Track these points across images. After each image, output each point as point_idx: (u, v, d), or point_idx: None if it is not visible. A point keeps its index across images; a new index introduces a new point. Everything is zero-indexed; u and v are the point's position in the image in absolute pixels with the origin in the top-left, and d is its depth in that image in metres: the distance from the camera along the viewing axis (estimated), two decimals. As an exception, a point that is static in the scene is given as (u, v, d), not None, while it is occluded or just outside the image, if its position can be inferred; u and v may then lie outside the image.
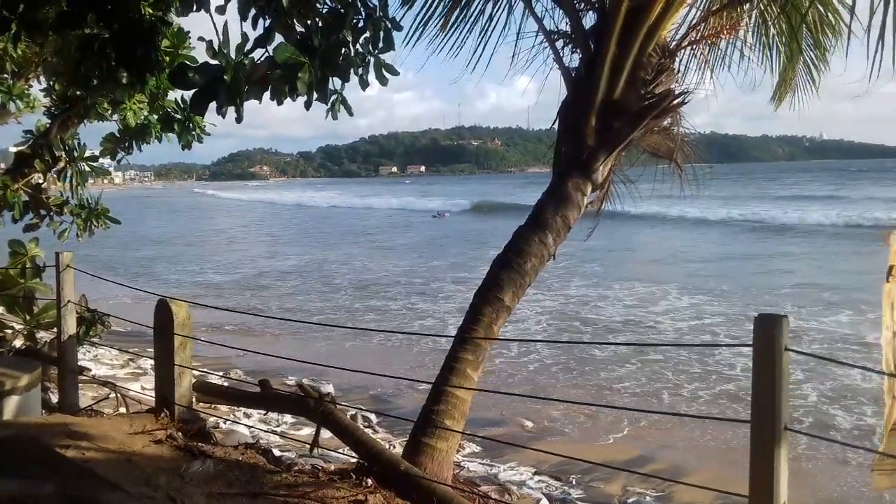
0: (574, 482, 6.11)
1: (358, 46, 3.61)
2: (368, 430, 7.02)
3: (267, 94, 3.19)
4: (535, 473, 6.27)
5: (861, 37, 3.40)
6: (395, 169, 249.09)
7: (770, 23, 5.48)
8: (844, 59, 5.15)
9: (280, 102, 3.37)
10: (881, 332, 3.23)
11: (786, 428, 2.21)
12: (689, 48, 5.43)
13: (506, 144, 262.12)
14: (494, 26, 5.76)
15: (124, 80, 3.45)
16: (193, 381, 5.05)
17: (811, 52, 5.87)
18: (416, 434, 4.15)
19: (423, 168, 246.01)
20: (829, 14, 5.47)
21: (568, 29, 5.35)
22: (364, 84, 3.65)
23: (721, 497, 5.39)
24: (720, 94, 6.04)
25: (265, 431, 6.57)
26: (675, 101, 4.93)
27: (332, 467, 4.53)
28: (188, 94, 3.18)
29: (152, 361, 5.54)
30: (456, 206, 53.87)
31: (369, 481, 3.73)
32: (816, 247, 24.21)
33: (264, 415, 6.82)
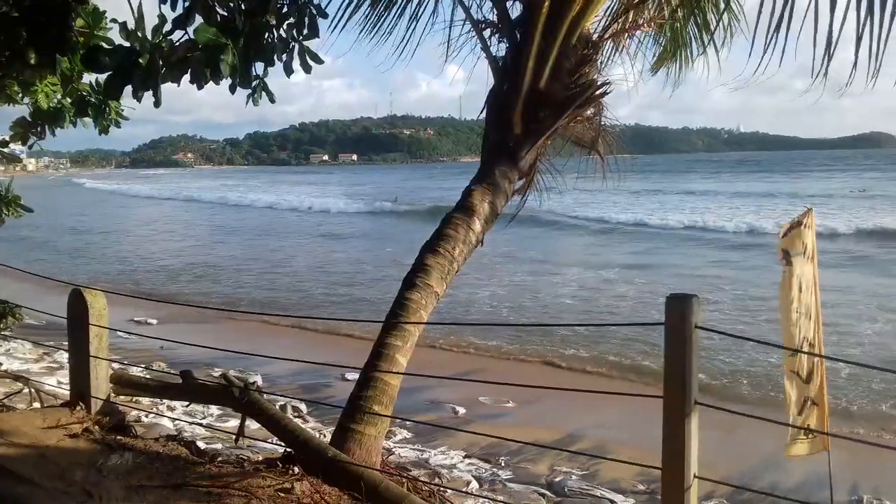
0: (503, 463, 6.25)
1: (282, 32, 3.55)
2: (298, 420, 6.96)
3: (187, 78, 3.11)
4: (465, 456, 6.38)
5: (761, 34, 3.59)
6: (326, 157, 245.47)
7: (682, 18, 5.71)
8: (749, 54, 5.44)
9: (200, 86, 3.27)
10: (783, 312, 3.46)
11: (695, 402, 2.33)
12: (610, 40, 5.58)
13: (438, 134, 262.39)
14: (422, 13, 5.77)
15: (34, 62, 3.29)
16: (111, 373, 4.88)
17: (719, 48, 6.14)
18: (344, 420, 4.14)
19: (355, 157, 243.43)
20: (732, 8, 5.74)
21: (495, 18, 5.41)
22: (289, 70, 3.60)
23: (643, 471, 5.64)
24: (643, 86, 6.25)
25: (190, 423, 6.42)
26: (597, 92, 5.07)
27: (260, 457, 4.48)
28: (103, 77, 3.06)
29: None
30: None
31: (296, 469, 3.71)
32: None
33: (187, 406, 6.66)
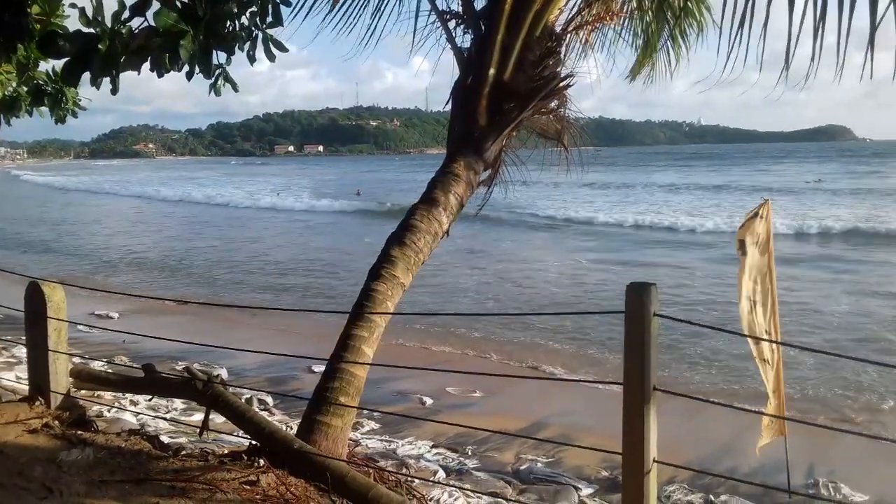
0: (470, 453, 6.30)
1: (244, 20, 3.51)
2: (265, 413, 6.90)
3: (146, 66, 3.06)
4: (432, 446, 6.42)
5: (727, 28, 3.66)
6: (291, 148, 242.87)
7: (645, 11, 5.78)
8: (707, 48, 5.57)
9: (161, 74, 3.22)
10: (740, 301, 3.56)
11: (654, 388, 2.39)
12: (574, 33, 5.63)
13: (405, 125, 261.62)
14: (387, 3, 5.74)
15: (-10, 49, 3.20)
16: (70, 367, 4.79)
17: (683, 41, 6.24)
18: (311, 412, 4.13)
19: (320, 148, 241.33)
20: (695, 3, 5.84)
21: (460, 9, 5.41)
22: (252, 59, 3.56)
23: (607, 458, 5.75)
24: (607, 79, 6.32)
25: (153, 418, 6.34)
26: (561, 84, 5.11)
27: (225, 450, 4.45)
28: (60, 65, 3.01)
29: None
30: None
31: (261, 462, 3.69)
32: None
33: (149, 400, 6.57)
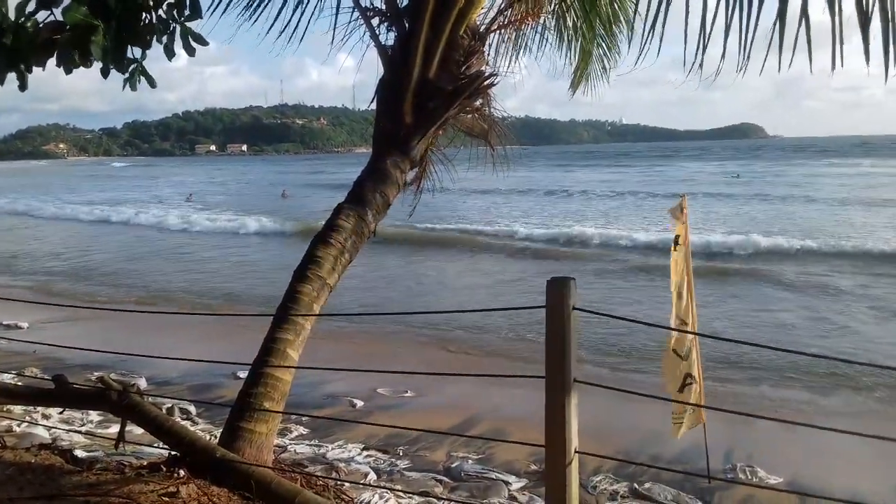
0: (401, 453, 6.29)
1: (161, 12, 3.37)
2: (187, 422, 6.69)
3: (53, 61, 2.90)
4: (363, 449, 6.37)
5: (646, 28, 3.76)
6: (213, 147, 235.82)
7: (567, 12, 5.90)
8: (628, 48, 5.75)
9: (69, 70, 3.06)
10: (671, 292, 3.69)
11: (575, 380, 2.43)
12: (497, 32, 5.69)
13: (332, 124, 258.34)
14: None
15: None
16: (-27, 381, 4.49)
17: (606, 42, 6.39)
18: (234, 419, 4.01)
19: (244, 147, 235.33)
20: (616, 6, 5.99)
21: (383, 7, 5.36)
22: (170, 53, 3.41)
23: (537, 451, 5.84)
24: (532, 79, 6.43)
25: (67, 431, 6.03)
26: (485, 83, 5.14)
27: (144, 462, 4.27)
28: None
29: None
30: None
31: (182, 472, 3.55)
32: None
33: (61, 413, 6.25)
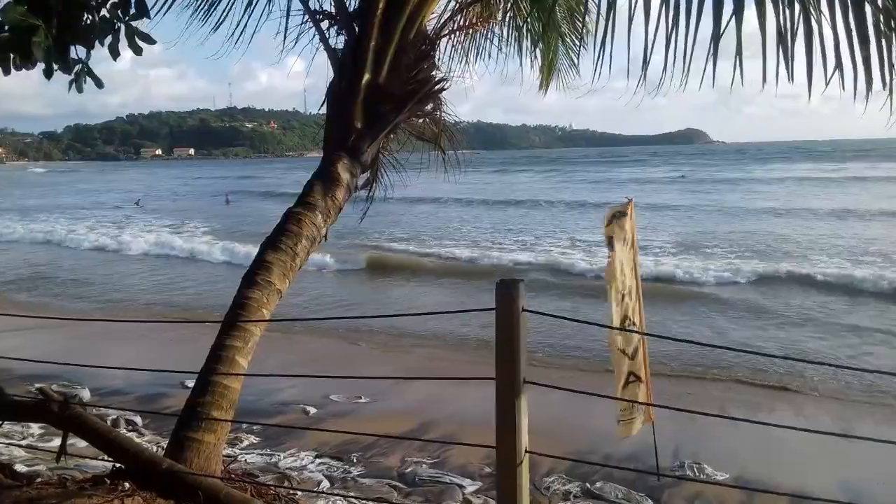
0: (355, 460, 6.24)
1: (105, 12, 3.29)
2: (133, 434, 6.50)
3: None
4: (316, 457, 6.29)
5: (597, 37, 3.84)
6: (159, 151, 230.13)
7: (521, 19, 5.97)
8: (581, 57, 5.85)
9: (7, 71, 2.96)
10: (611, 294, 3.74)
11: (525, 381, 2.46)
12: (448, 37, 5.71)
13: (283, 128, 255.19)
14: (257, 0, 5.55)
15: None
16: None
17: (560, 48, 6.50)
18: (181, 429, 3.90)
19: (192, 151, 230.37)
20: (572, 16, 6.10)
21: (333, 10, 5.33)
22: (115, 53, 3.33)
23: (490, 454, 5.86)
24: (483, 85, 6.46)
25: (7, 445, 5.80)
26: (436, 88, 5.16)
27: (88, 476, 4.13)
28: None
29: None
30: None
31: (126, 485, 3.45)
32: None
33: (-1, 427, 5.99)
